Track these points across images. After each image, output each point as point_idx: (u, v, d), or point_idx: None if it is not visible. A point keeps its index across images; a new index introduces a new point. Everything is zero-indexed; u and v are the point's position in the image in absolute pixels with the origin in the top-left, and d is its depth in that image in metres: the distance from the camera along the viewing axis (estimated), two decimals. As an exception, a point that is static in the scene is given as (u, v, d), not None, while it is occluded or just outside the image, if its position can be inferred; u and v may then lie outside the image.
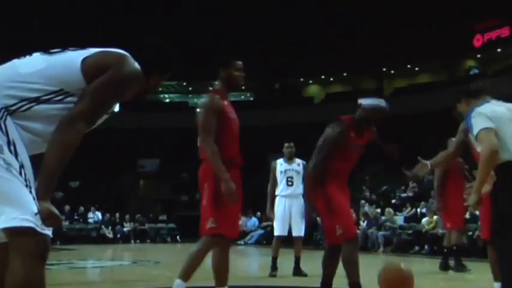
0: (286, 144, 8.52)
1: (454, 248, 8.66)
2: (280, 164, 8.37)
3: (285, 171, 8.29)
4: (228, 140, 4.44)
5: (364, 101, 5.11)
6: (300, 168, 8.30)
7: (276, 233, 8.24)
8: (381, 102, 5.06)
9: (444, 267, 8.75)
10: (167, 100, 39.41)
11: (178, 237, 24.04)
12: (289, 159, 8.39)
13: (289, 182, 8.25)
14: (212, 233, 4.40)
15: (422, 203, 15.97)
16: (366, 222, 15.83)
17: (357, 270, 4.73)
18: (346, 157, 5.06)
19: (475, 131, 3.47)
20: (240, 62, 4.53)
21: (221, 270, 4.42)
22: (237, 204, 4.41)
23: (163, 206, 28.16)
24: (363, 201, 18.27)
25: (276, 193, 8.27)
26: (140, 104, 31.90)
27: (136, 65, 2.43)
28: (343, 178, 5.07)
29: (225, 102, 4.59)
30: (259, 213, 21.76)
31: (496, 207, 3.45)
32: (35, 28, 29.86)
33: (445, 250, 8.89)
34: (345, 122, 5.10)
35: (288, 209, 8.16)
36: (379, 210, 16.64)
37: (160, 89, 38.47)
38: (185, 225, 24.47)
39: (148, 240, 22.80)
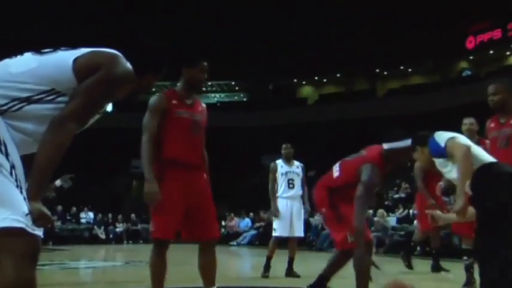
0: (284, 146, 8.52)
1: (433, 250, 8.87)
2: (281, 166, 8.38)
3: (286, 173, 8.30)
4: (172, 140, 4.29)
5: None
6: (300, 171, 8.36)
7: (275, 234, 8.23)
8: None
9: (436, 268, 8.79)
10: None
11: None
12: (288, 161, 8.40)
13: (291, 185, 8.28)
14: (151, 237, 4.40)
15: (415, 204, 15.98)
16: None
17: (367, 278, 4.64)
18: None
19: (443, 143, 3.49)
20: (205, 63, 4.41)
21: (156, 273, 4.27)
22: (175, 205, 4.20)
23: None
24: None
25: (277, 194, 8.28)
26: (134, 104, 31.86)
27: (129, 65, 2.42)
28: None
29: (174, 102, 4.39)
30: (252, 213, 21.75)
31: (482, 206, 3.49)
32: (34, 27, 29.76)
33: (434, 251, 9.00)
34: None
35: (289, 210, 8.19)
36: (371, 211, 16.64)
37: (153, 89, 38.37)
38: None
39: (141, 241, 22.72)
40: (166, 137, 4.31)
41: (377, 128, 29.03)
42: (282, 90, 36.40)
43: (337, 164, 5.05)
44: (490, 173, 3.45)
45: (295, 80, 36.78)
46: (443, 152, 3.50)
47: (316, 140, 30.24)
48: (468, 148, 3.41)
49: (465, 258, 6.53)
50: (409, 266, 8.76)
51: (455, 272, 7.85)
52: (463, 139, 3.52)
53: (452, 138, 3.49)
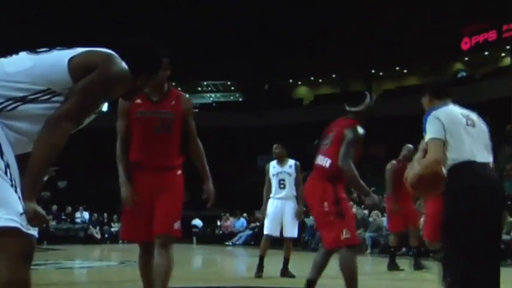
0: (275, 146, 8.52)
1: (392, 249, 9.27)
2: (273, 167, 8.38)
3: (277, 174, 8.30)
4: (135, 141, 4.20)
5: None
6: (292, 170, 8.32)
7: (265, 232, 8.25)
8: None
9: (418, 267, 8.96)
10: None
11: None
12: (281, 161, 8.38)
13: (281, 185, 8.26)
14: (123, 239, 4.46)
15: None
16: (353, 223, 15.85)
17: (356, 279, 4.61)
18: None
19: (426, 138, 3.57)
20: (167, 59, 4.10)
21: (142, 274, 4.24)
22: (141, 209, 4.08)
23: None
24: (350, 203, 18.29)
25: (270, 195, 8.29)
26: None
27: (124, 65, 2.42)
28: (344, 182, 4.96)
29: (138, 101, 4.19)
30: (247, 214, 21.75)
31: (449, 206, 3.53)
32: (30, 26, 29.68)
33: (415, 250, 9.28)
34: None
35: (280, 210, 8.18)
36: (366, 211, 16.67)
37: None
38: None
39: (136, 241, 22.68)
40: (132, 139, 4.22)
41: (372, 128, 29.17)
42: (278, 90, 36.40)
43: (320, 157, 5.02)
44: (466, 175, 3.48)
45: (290, 81, 36.78)
46: (426, 139, 3.59)
47: (311, 140, 30.30)
48: (436, 162, 3.48)
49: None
50: (396, 268, 9.06)
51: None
52: (440, 149, 3.50)
53: (435, 141, 3.53)
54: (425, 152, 3.62)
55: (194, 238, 22.92)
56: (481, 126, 3.69)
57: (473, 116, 3.72)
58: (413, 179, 3.66)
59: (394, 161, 9.35)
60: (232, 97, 39.61)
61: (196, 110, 36.70)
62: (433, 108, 3.71)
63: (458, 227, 3.43)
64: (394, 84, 33.41)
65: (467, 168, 3.49)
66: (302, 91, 37.62)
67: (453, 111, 3.69)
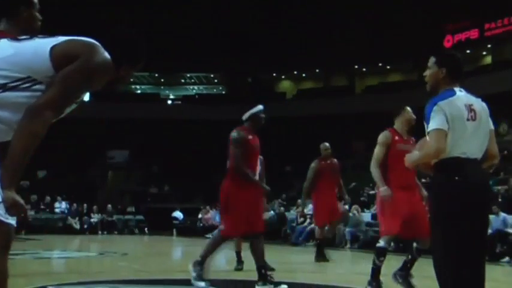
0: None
1: (317, 241, 9.76)
2: None
3: None
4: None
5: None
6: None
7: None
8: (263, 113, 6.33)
9: (320, 257, 9.44)
10: (138, 91, 39.08)
11: (146, 229, 23.91)
12: None
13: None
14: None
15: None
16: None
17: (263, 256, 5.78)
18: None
19: (429, 128, 3.48)
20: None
21: None
22: None
23: (131, 198, 27.97)
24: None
25: None
26: (111, 94, 31.61)
27: (107, 55, 2.40)
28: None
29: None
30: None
31: (436, 202, 3.54)
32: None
33: (317, 241, 9.89)
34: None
35: None
36: (347, 207, 16.76)
37: (131, 79, 38.10)
38: (153, 217, 24.36)
39: (116, 232, 22.63)
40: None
41: (354, 123, 29.28)
42: (261, 84, 36.38)
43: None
44: (454, 171, 3.47)
45: (274, 74, 36.77)
46: (427, 130, 3.52)
47: (294, 134, 30.31)
48: (437, 152, 3.44)
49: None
50: (324, 259, 9.40)
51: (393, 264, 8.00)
52: (442, 139, 3.46)
53: (438, 131, 3.46)
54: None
55: (174, 230, 22.90)
56: (482, 118, 3.57)
57: (477, 106, 3.59)
58: (410, 166, 3.70)
59: (316, 160, 9.73)
60: (215, 90, 39.50)
61: (180, 102, 36.75)
62: (438, 98, 3.56)
63: (446, 224, 3.42)
64: (376, 80, 33.56)
65: (455, 163, 3.45)
66: (285, 85, 37.63)
67: (458, 103, 3.54)
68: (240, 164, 5.72)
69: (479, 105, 3.61)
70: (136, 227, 23.89)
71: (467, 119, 3.52)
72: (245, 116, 6.31)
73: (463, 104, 3.55)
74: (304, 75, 36.60)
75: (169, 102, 37.57)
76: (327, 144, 9.70)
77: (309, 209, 18.53)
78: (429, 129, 3.47)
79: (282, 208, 19.89)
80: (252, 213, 5.78)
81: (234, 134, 6.01)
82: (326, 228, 9.81)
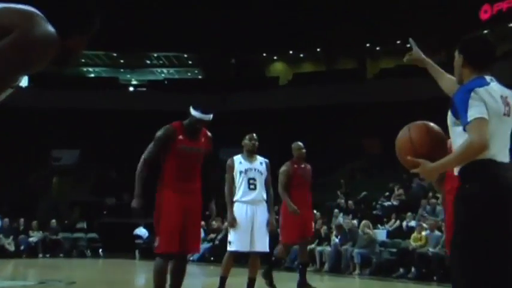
0: (248, 136, 8.44)
1: (272, 259, 9.98)
2: (239, 162, 8.31)
3: (246, 171, 8.24)
4: None
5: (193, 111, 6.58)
6: (263, 169, 8.29)
7: (231, 248, 8.16)
8: (205, 117, 6.56)
9: (302, 285, 9.64)
10: (92, 75, 38.99)
11: (100, 250, 23.83)
12: (251, 156, 8.34)
13: (251, 185, 8.21)
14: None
15: (410, 214, 16.21)
16: (339, 236, 15.98)
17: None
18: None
19: (469, 117, 3.46)
20: None
21: None
22: None
23: (82, 211, 27.87)
24: (336, 211, 18.45)
25: (234, 198, 8.22)
26: (56, 77, 31.49)
27: (50, 27, 2.38)
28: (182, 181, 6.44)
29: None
30: (203, 222, 21.74)
31: (463, 212, 3.56)
32: None
33: (300, 266, 10.02)
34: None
35: (250, 218, 8.12)
36: (355, 221, 16.82)
37: (82, 60, 38.00)
38: (110, 236, 24.29)
39: (61, 254, 22.52)
40: None
41: (365, 116, 29.35)
42: (248, 66, 36.40)
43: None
44: (485, 177, 3.50)
45: (264, 55, 36.80)
46: (464, 121, 3.50)
47: (289, 130, 30.34)
48: (481, 147, 3.42)
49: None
50: (271, 285, 9.54)
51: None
52: (487, 131, 3.46)
53: (482, 120, 3.45)
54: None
55: (137, 252, 22.86)
56: None
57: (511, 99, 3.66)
58: (435, 175, 3.72)
59: (288, 162, 9.85)
60: (189, 73, 39.49)
61: (144, 89, 36.66)
62: (473, 84, 3.59)
63: (474, 238, 3.45)
64: (393, 63, 33.65)
65: (487, 168, 3.49)
66: (278, 68, 37.67)
67: (495, 93, 3.59)
68: (141, 163, 6.43)
69: None
70: (88, 247, 23.78)
71: (504, 114, 3.57)
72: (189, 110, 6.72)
73: (499, 95, 3.60)
74: (301, 55, 36.68)
75: (131, 89, 37.52)
76: (301, 143, 9.85)
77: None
78: (469, 118, 3.46)
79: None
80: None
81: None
82: (294, 247, 10.08)
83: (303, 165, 9.84)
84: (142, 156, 6.35)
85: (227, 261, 8.19)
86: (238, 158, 8.35)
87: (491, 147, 3.47)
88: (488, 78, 3.68)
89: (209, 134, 6.71)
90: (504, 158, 3.56)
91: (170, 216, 6.28)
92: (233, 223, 8.05)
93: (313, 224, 10.56)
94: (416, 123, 3.98)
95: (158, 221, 6.37)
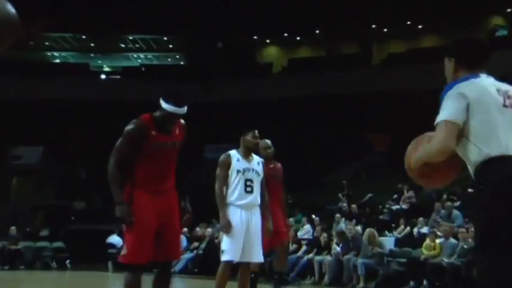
0: (251, 133, 8.37)
1: (252, 275, 9.53)
2: (237, 160, 8.30)
3: (244, 171, 8.23)
4: None
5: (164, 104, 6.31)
6: (260, 169, 8.29)
7: (225, 257, 8.14)
8: (179, 111, 6.31)
9: None
10: (57, 60, 38.90)
11: (68, 262, 23.82)
12: (247, 155, 8.32)
13: (248, 188, 8.20)
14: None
15: (422, 219, 16.25)
16: (341, 245, 16.02)
17: None
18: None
19: (438, 118, 3.66)
20: None
21: None
22: None
23: (46, 216, 27.84)
24: (338, 215, 18.47)
25: (228, 200, 8.20)
26: (15, 63, 31.38)
27: (9, 5, 2.40)
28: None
29: None
30: (186, 228, 21.74)
31: (485, 209, 3.63)
32: None
33: (277, 276, 10.26)
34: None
35: (244, 224, 8.12)
36: (359, 228, 16.87)
37: (46, 43, 37.93)
38: (79, 245, 24.26)
39: (22, 267, 22.50)
40: None
41: (371, 107, 29.35)
42: (236, 51, 36.39)
43: None
44: (501, 175, 3.56)
45: (255, 37, 36.79)
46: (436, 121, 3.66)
47: (283, 123, 30.35)
48: (441, 151, 3.63)
49: None
50: None
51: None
52: (453, 136, 3.62)
53: (450, 124, 3.62)
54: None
55: (110, 263, 22.84)
56: None
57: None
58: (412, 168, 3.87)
59: None
60: (169, 59, 39.46)
61: (119, 77, 36.57)
62: (458, 81, 3.77)
63: (494, 245, 3.51)
64: (403, 46, 33.72)
65: (501, 165, 3.56)
66: (271, 53, 37.68)
67: (486, 85, 3.73)
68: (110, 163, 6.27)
69: None
70: (53, 258, 23.76)
71: (504, 105, 3.69)
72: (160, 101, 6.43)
73: (495, 88, 3.74)
74: (298, 38, 36.68)
75: (103, 76, 37.44)
76: (268, 141, 9.76)
77: (305, 230, 18.65)
78: (437, 120, 3.67)
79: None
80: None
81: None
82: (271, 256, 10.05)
83: (272, 165, 9.87)
84: (112, 157, 6.25)
85: (222, 273, 8.13)
86: (235, 155, 8.32)
87: (499, 142, 3.61)
88: (482, 74, 3.83)
89: (182, 121, 6.57)
90: None
91: (143, 220, 6.17)
92: (228, 228, 8.03)
93: (288, 228, 10.74)
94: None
95: (128, 226, 6.27)
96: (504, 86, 3.78)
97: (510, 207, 3.49)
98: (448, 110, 3.62)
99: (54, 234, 25.66)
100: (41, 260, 23.44)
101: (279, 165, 10.03)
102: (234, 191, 8.15)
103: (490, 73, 3.90)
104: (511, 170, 3.55)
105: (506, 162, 3.55)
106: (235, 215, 8.12)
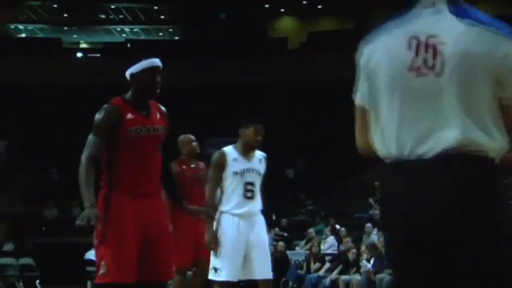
0: (253, 128, 8.30)
1: None
2: (233, 159, 8.30)
3: (242, 172, 8.23)
4: None
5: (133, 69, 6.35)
6: (261, 168, 8.28)
7: (218, 277, 8.19)
8: (155, 62, 6.36)
9: None
10: (23, 34, 39.04)
11: (37, 282, 23.94)
12: (248, 152, 8.29)
13: (249, 193, 8.20)
14: None
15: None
16: (372, 261, 16.06)
17: None
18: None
19: None
20: None
21: None
22: None
23: (11, 227, 27.96)
24: (368, 225, 18.50)
25: (223, 209, 8.22)
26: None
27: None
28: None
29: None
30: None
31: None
32: None
33: None
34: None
35: (244, 236, 8.14)
36: (375, 236, 16.96)
37: (11, 15, 38.04)
38: (51, 261, 24.36)
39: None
40: None
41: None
42: (243, 24, 36.46)
43: None
44: (386, 188, 3.41)
45: (266, 6, 36.87)
46: None
47: (300, 111, 30.39)
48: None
49: None
50: None
51: None
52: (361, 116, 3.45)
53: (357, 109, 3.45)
54: None
55: (89, 284, 22.95)
56: (462, 68, 2.94)
57: (449, 39, 2.99)
58: None
59: (174, 162, 9.91)
60: (161, 33, 39.57)
61: (98, 55, 36.65)
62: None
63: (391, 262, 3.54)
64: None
65: (389, 173, 3.22)
66: (287, 25, 37.76)
67: (396, 35, 3.16)
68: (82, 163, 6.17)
69: (463, 37, 3.01)
70: (19, 278, 23.89)
71: (410, 69, 3.03)
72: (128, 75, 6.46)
73: (407, 36, 3.10)
74: (319, 7, 36.75)
75: (79, 54, 37.55)
76: (191, 136, 9.97)
77: (329, 244, 18.67)
78: None
79: (281, 243, 20.01)
80: None
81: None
82: (189, 272, 10.07)
83: (193, 165, 9.88)
84: (84, 155, 6.12)
85: None
86: (231, 152, 8.27)
87: (387, 136, 3.16)
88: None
89: (162, 107, 6.56)
90: (423, 148, 3.04)
91: (122, 228, 6.05)
92: (214, 245, 8.05)
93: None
94: None
95: (104, 238, 6.07)
96: (429, 29, 3.07)
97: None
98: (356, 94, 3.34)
99: (21, 248, 25.78)
100: (4, 280, 23.57)
101: (201, 164, 10.04)
102: (231, 197, 8.13)
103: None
104: (395, 180, 3.37)
105: (394, 169, 3.40)
106: (232, 226, 8.12)
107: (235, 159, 8.14)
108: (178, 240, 9.20)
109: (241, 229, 8.10)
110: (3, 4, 32.80)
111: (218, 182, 8.18)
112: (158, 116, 6.36)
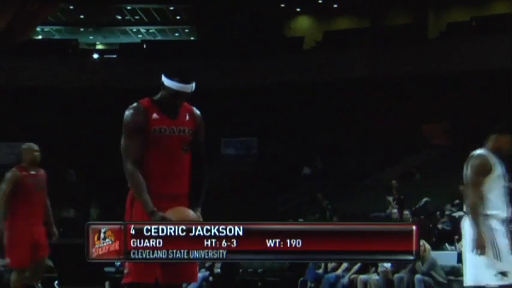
0: (509, 136, 8.36)
1: None
2: (494, 163, 8.38)
3: (503, 175, 8.29)
4: None
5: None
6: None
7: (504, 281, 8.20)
8: (186, 88, 6.19)
9: None
10: (40, 36, 39.10)
11: (56, 283, 24.00)
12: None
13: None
14: None
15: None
16: (390, 260, 16.10)
17: None
18: None
19: None
20: None
21: None
22: None
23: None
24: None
25: (489, 212, 8.30)
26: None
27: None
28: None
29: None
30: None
31: None
32: None
33: None
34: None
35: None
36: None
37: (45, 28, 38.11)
38: (69, 262, 24.47)
39: (1, 289, 22.77)
40: None
41: (426, 93, 29.21)
42: (260, 24, 36.48)
43: None
44: None
45: (282, 6, 36.86)
46: None
47: (317, 111, 30.39)
48: None
49: None
50: None
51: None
52: None
53: None
54: None
55: (107, 284, 23.06)
56: None
57: None
58: None
59: (15, 168, 10.42)
60: (177, 34, 39.57)
61: (115, 56, 36.66)
62: None
63: None
64: (468, 15, 33.59)
65: None
66: (303, 25, 37.75)
67: None
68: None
69: None
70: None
71: None
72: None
73: None
74: (335, 6, 36.72)
75: (96, 56, 37.61)
76: (34, 145, 10.49)
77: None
78: None
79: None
80: None
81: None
82: (27, 273, 10.41)
83: (33, 172, 10.37)
84: (127, 163, 6.12)
85: None
86: (491, 156, 8.22)
87: None
88: None
89: (196, 110, 6.44)
90: None
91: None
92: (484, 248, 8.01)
93: (47, 242, 11.15)
94: None
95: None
96: None
97: None
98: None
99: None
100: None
101: (41, 171, 10.61)
102: (496, 203, 8.10)
103: None
104: None
105: None
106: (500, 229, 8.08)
107: (495, 163, 8.05)
108: (16, 241, 10.24)
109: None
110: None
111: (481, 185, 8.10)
112: (187, 118, 6.26)
